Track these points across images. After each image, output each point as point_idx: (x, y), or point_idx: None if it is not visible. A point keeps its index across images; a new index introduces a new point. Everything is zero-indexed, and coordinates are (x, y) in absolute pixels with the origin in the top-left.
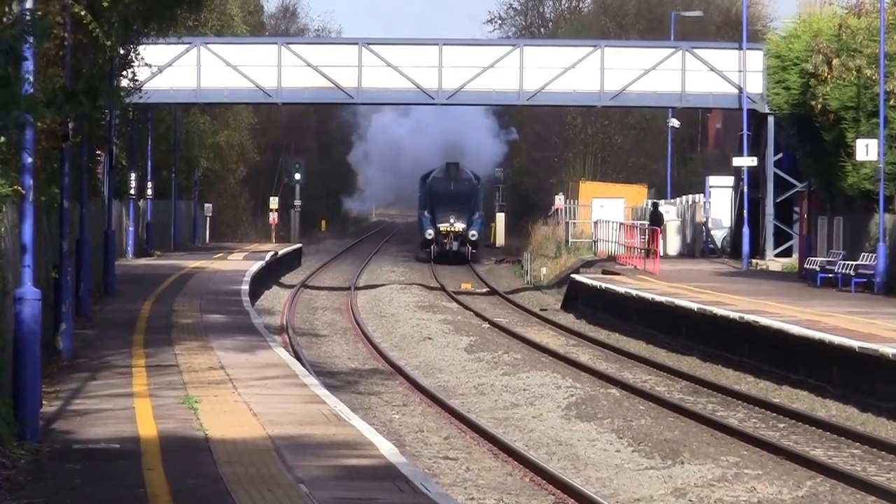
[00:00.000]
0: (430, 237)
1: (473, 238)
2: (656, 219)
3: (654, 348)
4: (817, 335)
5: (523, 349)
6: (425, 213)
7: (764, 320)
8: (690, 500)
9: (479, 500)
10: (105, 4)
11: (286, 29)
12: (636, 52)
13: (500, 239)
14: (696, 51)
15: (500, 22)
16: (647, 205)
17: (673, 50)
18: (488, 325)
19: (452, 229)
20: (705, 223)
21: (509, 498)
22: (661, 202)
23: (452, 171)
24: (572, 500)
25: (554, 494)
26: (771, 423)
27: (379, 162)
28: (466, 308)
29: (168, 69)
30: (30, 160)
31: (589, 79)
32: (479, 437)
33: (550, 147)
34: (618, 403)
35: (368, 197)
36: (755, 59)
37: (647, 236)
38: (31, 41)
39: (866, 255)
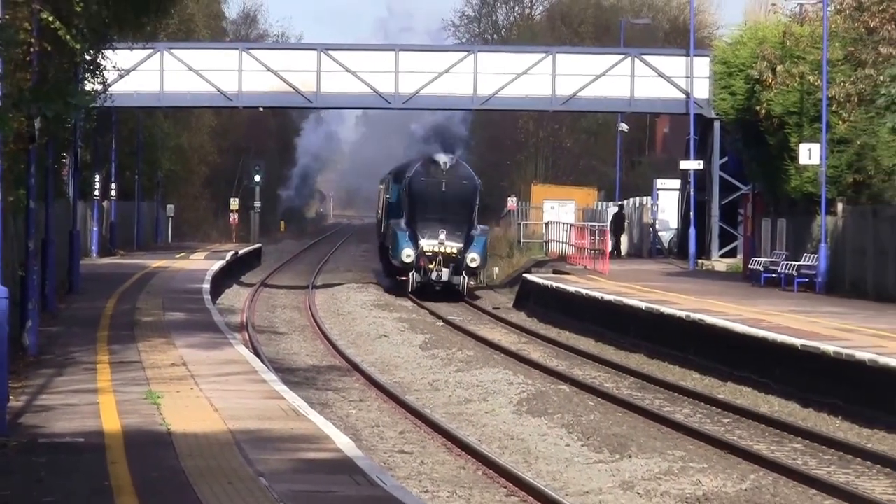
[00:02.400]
0: (409, 260)
1: (474, 265)
2: (619, 221)
3: (603, 346)
4: (761, 333)
5: (476, 347)
6: (401, 223)
7: (709, 319)
8: (638, 493)
9: (434, 493)
10: (78, 9)
11: (247, 34)
12: (587, 58)
13: None
14: (644, 57)
15: (453, 29)
16: (597, 205)
17: (622, 56)
18: (442, 324)
19: (443, 251)
20: (653, 224)
21: (462, 491)
22: (623, 204)
23: (445, 167)
24: (523, 493)
25: (506, 487)
26: (716, 418)
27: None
28: (421, 307)
29: (132, 73)
30: None
31: (541, 84)
32: (434, 431)
33: (503, 150)
34: (568, 399)
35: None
36: (702, 66)
37: (597, 237)
38: None
39: (808, 255)
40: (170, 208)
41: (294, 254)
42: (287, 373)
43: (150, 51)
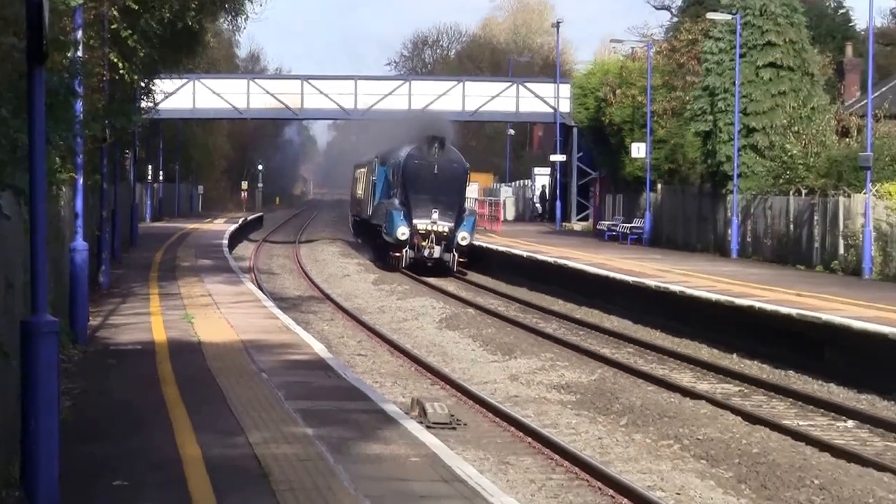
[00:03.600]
0: (403, 238)
1: (464, 243)
2: (543, 196)
3: (497, 281)
4: (604, 273)
5: (411, 283)
6: (395, 203)
7: (570, 263)
8: (521, 383)
9: (381, 383)
10: (141, 54)
11: (252, 68)
12: (486, 84)
13: None
14: (526, 84)
15: (395, 64)
16: (493, 186)
17: (510, 83)
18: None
19: (435, 229)
20: (531, 198)
21: (401, 381)
22: (545, 185)
23: (437, 150)
24: (443, 383)
25: (431, 378)
26: (574, 331)
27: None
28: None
29: (173, 95)
30: (80, 157)
31: (454, 102)
32: (382, 341)
33: None
34: (473, 319)
35: (307, 180)
36: (565, 90)
37: (492, 207)
38: (80, 79)
39: (637, 219)
40: (199, 188)
41: (285, 220)
42: (280, 301)
43: (185, 80)
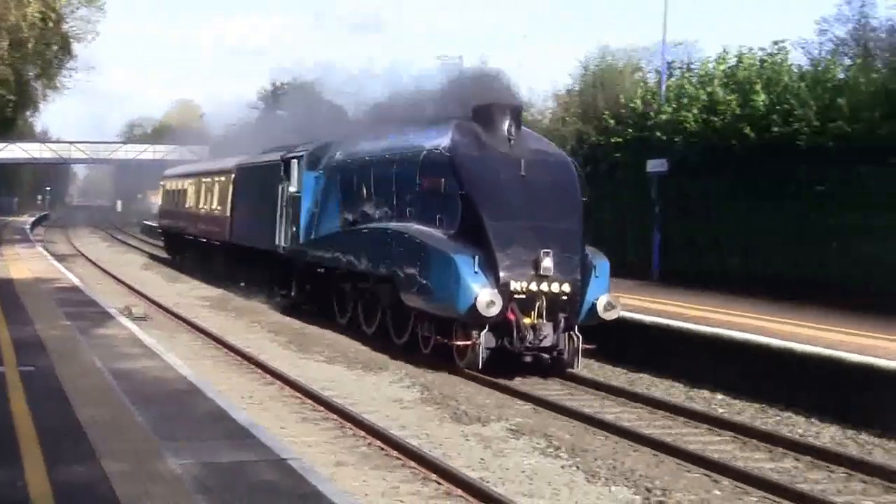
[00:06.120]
0: (493, 311)
1: (609, 316)
2: None
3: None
4: None
5: (132, 246)
6: (445, 241)
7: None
8: (181, 296)
9: (109, 297)
10: None
11: (43, 138)
12: None
13: None
14: None
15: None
16: None
17: None
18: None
19: (547, 290)
20: None
21: (120, 297)
22: None
23: (513, 132)
24: (142, 297)
25: (136, 295)
26: (207, 270)
27: None
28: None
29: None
30: None
31: None
32: (110, 276)
33: None
34: (159, 265)
35: None
36: None
37: None
38: None
39: None
40: (15, 200)
41: (62, 215)
42: (56, 256)
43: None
